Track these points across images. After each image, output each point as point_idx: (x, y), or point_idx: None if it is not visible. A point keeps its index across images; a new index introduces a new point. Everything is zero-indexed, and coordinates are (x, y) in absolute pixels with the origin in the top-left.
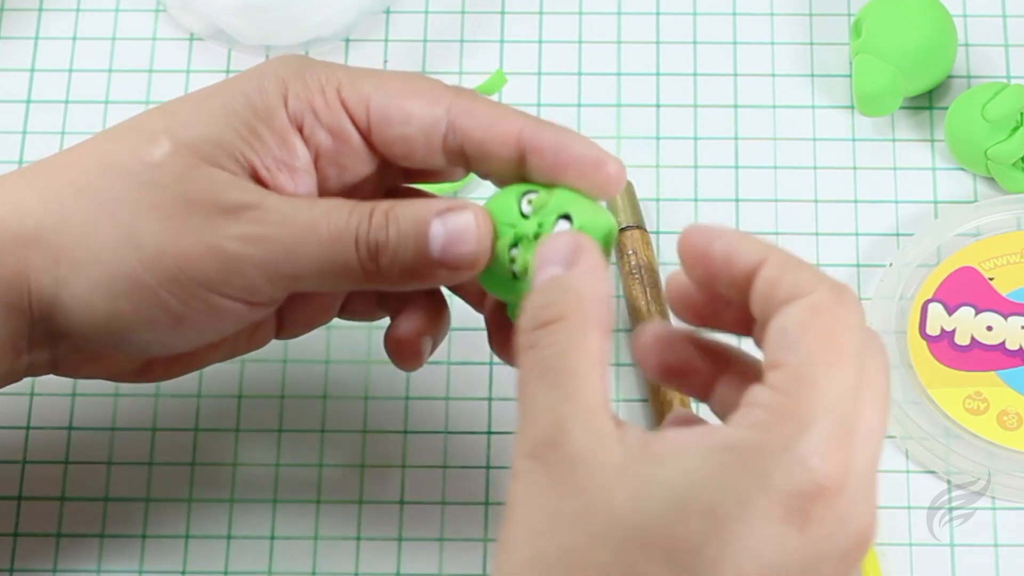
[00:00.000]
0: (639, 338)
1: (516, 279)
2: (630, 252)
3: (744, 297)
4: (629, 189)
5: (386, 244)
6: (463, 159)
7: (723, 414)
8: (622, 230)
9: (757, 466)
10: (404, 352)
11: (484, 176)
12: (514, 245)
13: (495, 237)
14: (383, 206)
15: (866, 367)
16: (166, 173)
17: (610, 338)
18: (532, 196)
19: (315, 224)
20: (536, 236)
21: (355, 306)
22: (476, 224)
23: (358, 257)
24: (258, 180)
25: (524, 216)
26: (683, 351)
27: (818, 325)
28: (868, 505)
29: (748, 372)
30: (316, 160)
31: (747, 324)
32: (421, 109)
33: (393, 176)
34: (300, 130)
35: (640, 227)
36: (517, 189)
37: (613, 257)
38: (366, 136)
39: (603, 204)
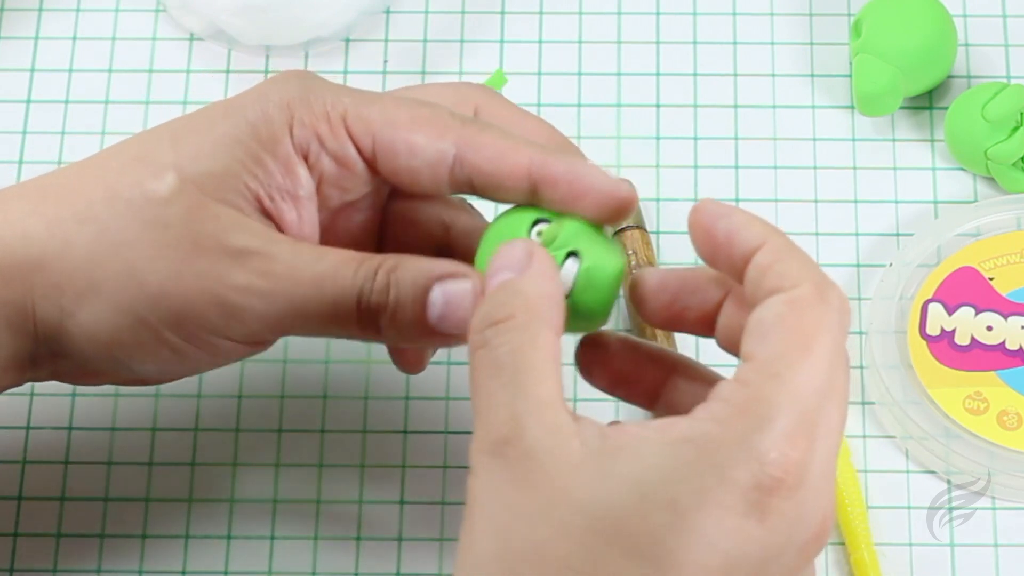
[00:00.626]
0: (585, 351)
1: None
2: (630, 252)
3: (740, 276)
4: None
5: (385, 306)
6: (471, 188)
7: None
8: (621, 230)
9: (715, 459)
10: (406, 356)
11: (493, 200)
12: None
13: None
14: (387, 265)
15: (835, 366)
16: (171, 212)
17: (560, 338)
18: (542, 226)
19: (320, 281)
20: None
21: None
22: (474, 295)
23: (358, 315)
24: (263, 210)
25: None
26: (629, 360)
27: (793, 320)
28: (826, 499)
29: (696, 377)
30: (319, 185)
31: (709, 324)
32: (427, 142)
33: (397, 205)
34: (305, 157)
35: (640, 227)
36: (527, 216)
37: (622, 292)
38: (370, 164)
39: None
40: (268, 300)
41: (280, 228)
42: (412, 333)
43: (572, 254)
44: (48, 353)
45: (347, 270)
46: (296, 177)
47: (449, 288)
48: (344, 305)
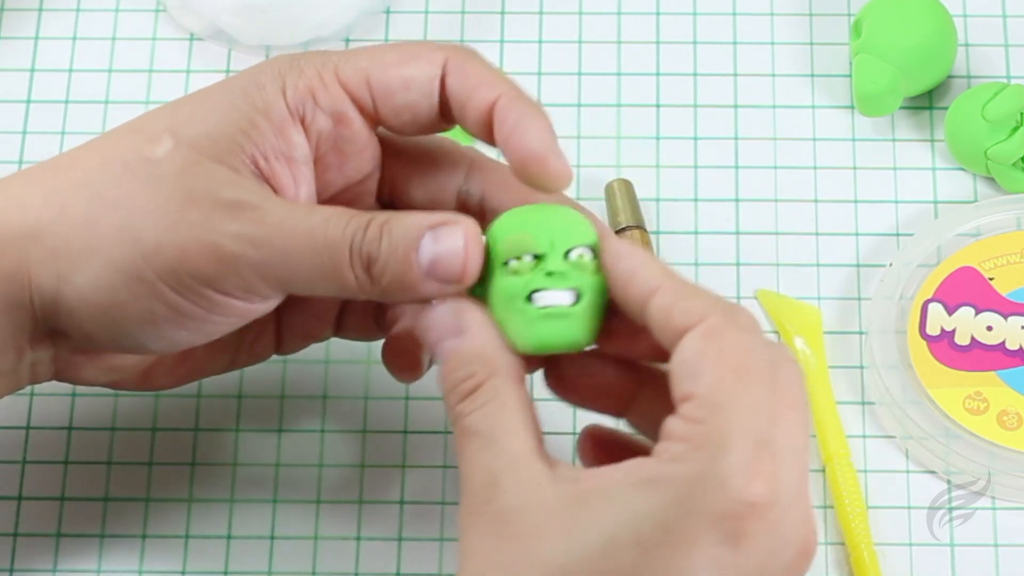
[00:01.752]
0: (552, 369)
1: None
2: None
3: (641, 318)
4: (629, 189)
5: (378, 255)
6: (449, 111)
7: (643, 427)
8: (621, 230)
9: (680, 495)
10: (403, 364)
11: (462, 127)
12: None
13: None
14: (379, 218)
15: (777, 380)
16: (166, 168)
17: (525, 384)
18: (582, 251)
19: (312, 232)
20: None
21: (352, 323)
22: (465, 240)
23: (351, 267)
24: (258, 172)
25: (516, 272)
26: (600, 372)
27: (715, 351)
28: (803, 516)
29: (664, 389)
30: (317, 148)
31: (616, 403)
32: (419, 71)
33: (392, 175)
34: (302, 120)
35: (640, 227)
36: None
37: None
38: (369, 115)
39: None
40: (260, 248)
41: (275, 191)
42: (404, 281)
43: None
44: (46, 331)
45: (339, 221)
46: (289, 139)
47: (441, 235)
48: (336, 255)
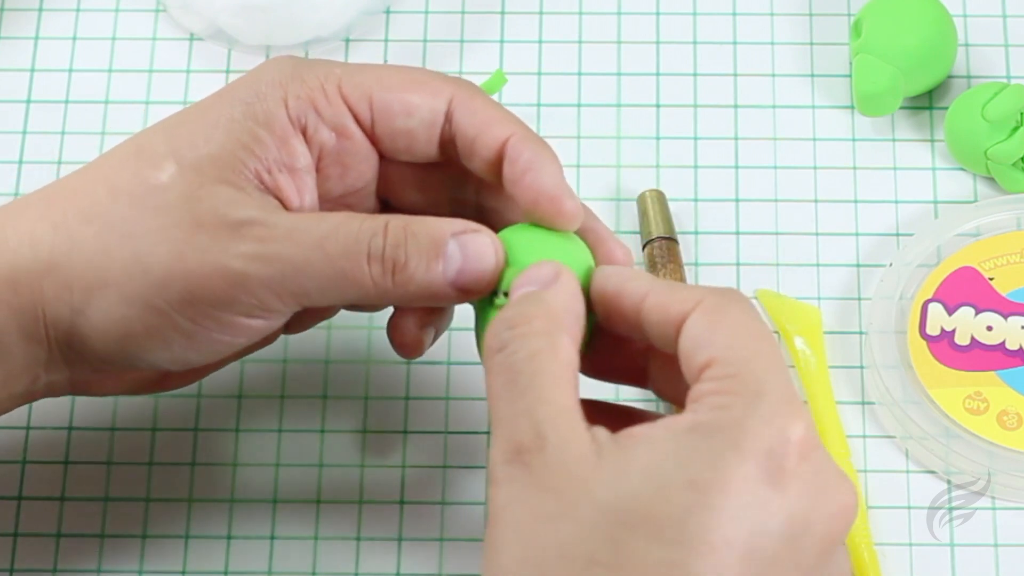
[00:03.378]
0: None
1: None
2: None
3: (638, 330)
4: (662, 200)
5: (404, 262)
6: (453, 150)
7: (663, 391)
8: (651, 241)
9: (728, 437)
10: (407, 341)
11: (468, 168)
12: None
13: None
14: (398, 221)
15: (777, 346)
16: (172, 195)
17: (579, 349)
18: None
19: (322, 241)
20: None
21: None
22: (494, 248)
23: (370, 273)
24: (262, 186)
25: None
26: (614, 347)
27: (723, 320)
28: (843, 475)
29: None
30: (319, 160)
31: (642, 375)
32: (423, 101)
33: (392, 178)
34: (303, 131)
35: (671, 238)
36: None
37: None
38: (368, 132)
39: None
40: (271, 264)
41: (281, 203)
42: (431, 289)
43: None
44: (61, 359)
45: (350, 226)
46: (293, 150)
47: (465, 240)
48: (351, 263)
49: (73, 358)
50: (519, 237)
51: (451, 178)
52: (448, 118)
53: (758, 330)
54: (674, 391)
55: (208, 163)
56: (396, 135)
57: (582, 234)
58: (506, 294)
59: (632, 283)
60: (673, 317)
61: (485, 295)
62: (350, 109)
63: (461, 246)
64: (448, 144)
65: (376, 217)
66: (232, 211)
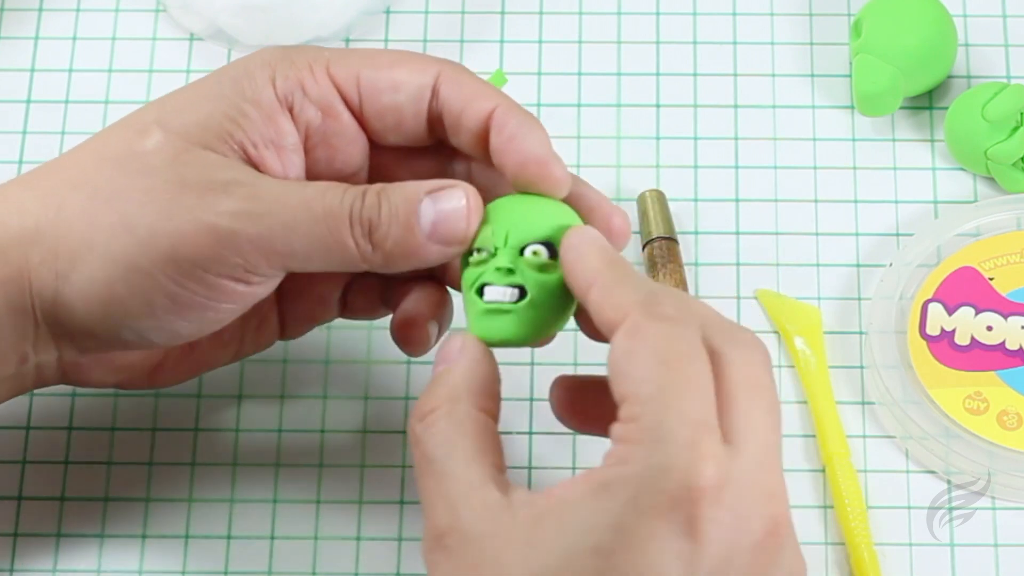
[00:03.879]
0: (552, 392)
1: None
2: (659, 266)
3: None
4: (662, 199)
5: (379, 220)
6: (441, 127)
7: None
8: (651, 240)
9: (627, 495)
10: (411, 337)
11: (456, 146)
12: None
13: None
14: (375, 187)
15: (723, 362)
16: (158, 159)
17: (494, 412)
18: (537, 247)
19: (309, 202)
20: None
21: (357, 302)
22: (467, 199)
23: (352, 235)
24: (248, 160)
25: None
26: (594, 395)
27: (637, 349)
28: (767, 490)
29: None
30: (306, 140)
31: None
32: (409, 76)
33: (382, 165)
34: (290, 110)
35: (671, 238)
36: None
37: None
38: (356, 113)
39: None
40: (258, 222)
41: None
42: (407, 246)
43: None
44: (48, 334)
45: (336, 191)
46: (279, 127)
47: (440, 198)
48: (336, 223)
49: (59, 331)
50: (505, 202)
51: (440, 162)
52: (435, 94)
53: (673, 353)
54: None
55: (194, 129)
56: (384, 112)
57: (574, 201)
58: (479, 250)
59: (582, 265)
60: (607, 325)
61: (464, 248)
62: (337, 88)
63: (434, 200)
64: (436, 123)
65: (359, 186)
66: (218, 173)
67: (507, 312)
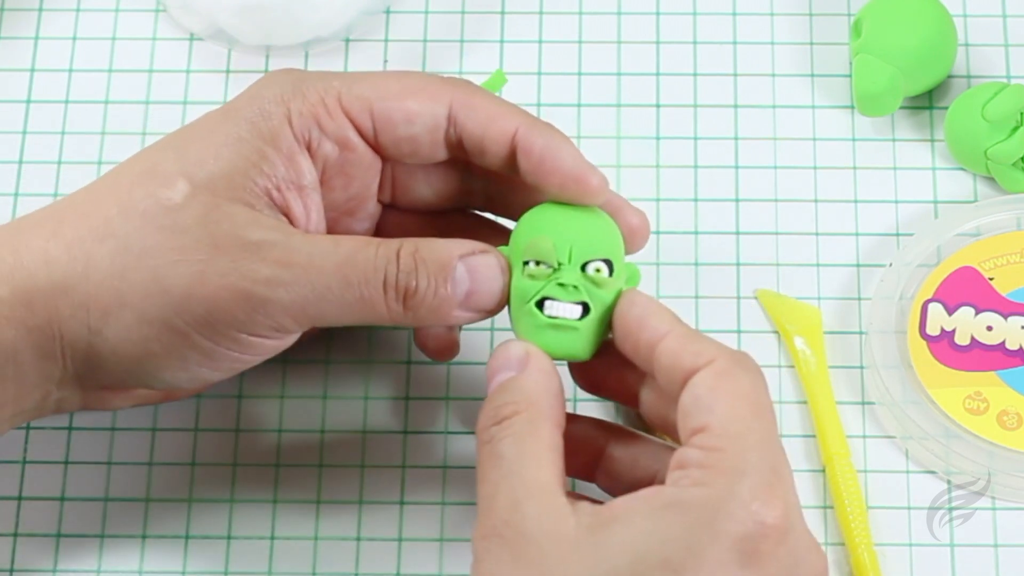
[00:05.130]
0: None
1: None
2: None
3: (647, 363)
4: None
5: (415, 289)
6: (462, 150)
7: (651, 417)
8: None
9: (704, 517)
10: (440, 346)
11: (481, 165)
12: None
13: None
14: (408, 247)
15: (775, 424)
16: (187, 216)
17: (561, 431)
18: (600, 264)
19: (343, 267)
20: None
21: None
22: (500, 268)
23: (385, 300)
24: (272, 203)
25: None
26: (607, 362)
27: (728, 388)
28: (816, 545)
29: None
30: (323, 173)
31: (632, 396)
32: (423, 107)
33: (396, 178)
34: (308, 146)
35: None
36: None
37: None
38: (371, 142)
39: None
40: (293, 290)
41: (289, 220)
42: (440, 312)
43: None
44: (75, 377)
45: (367, 253)
46: (299, 167)
47: (473, 263)
48: (370, 286)
49: (88, 376)
50: (552, 214)
51: (458, 170)
52: (452, 121)
53: (759, 404)
54: (662, 421)
55: (220, 181)
56: (399, 142)
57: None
58: (538, 263)
59: (654, 319)
60: (683, 367)
61: (494, 314)
62: (352, 121)
63: (469, 269)
64: (455, 147)
65: (388, 242)
66: (249, 233)
67: (572, 328)
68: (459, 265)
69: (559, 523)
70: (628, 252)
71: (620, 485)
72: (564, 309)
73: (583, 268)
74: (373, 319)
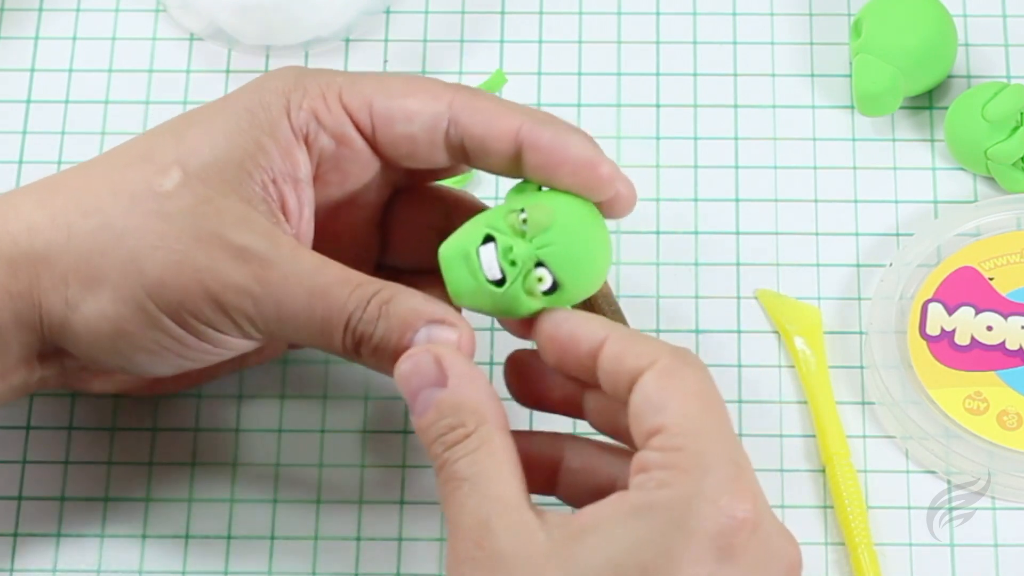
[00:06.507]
0: (506, 372)
1: (483, 281)
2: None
3: (591, 375)
4: (606, 289)
5: (370, 337)
6: (464, 154)
7: (599, 424)
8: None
9: (675, 518)
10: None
11: (484, 169)
12: (484, 242)
13: (468, 242)
14: (382, 295)
15: (727, 416)
16: (175, 205)
17: (508, 431)
18: (523, 215)
19: (312, 297)
20: (514, 263)
21: None
22: (457, 346)
23: (342, 339)
24: (267, 195)
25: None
26: (548, 378)
27: (676, 386)
28: (787, 535)
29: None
30: (318, 166)
31: (576, 406)
32: (423, 106)
33: (397, 178)
34: (305, 139)
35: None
36: (508, 207)
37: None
38: (369, 139)
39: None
40: (258, 305)
41: (283, 213)
42: (382, 366)
43: (541, 264)
44: (54, 351)
45: (342, 290)
46: (295, 160)
47: (435, 334)
48: (331, 324)
49: (65, 353)
50: (565, 207)
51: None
52: (452, 122)
53: (709, 398)
54: (611, 427)
55: (214, 171)
56: (398, 141)
57: (585, 179)
58: (524, 220)
59: (586, 329)
60: (627, 370)
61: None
62: (350, 116)
63: (429, 337)
64: (455, 150)
65: (367, 285)
66: (234, 235)
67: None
68: (422, 331)
69: (530, 539)
70: (610, 217)
71: (582, 495)
72: (491, 264)
73: (538, 264)
74: (330, 350)
